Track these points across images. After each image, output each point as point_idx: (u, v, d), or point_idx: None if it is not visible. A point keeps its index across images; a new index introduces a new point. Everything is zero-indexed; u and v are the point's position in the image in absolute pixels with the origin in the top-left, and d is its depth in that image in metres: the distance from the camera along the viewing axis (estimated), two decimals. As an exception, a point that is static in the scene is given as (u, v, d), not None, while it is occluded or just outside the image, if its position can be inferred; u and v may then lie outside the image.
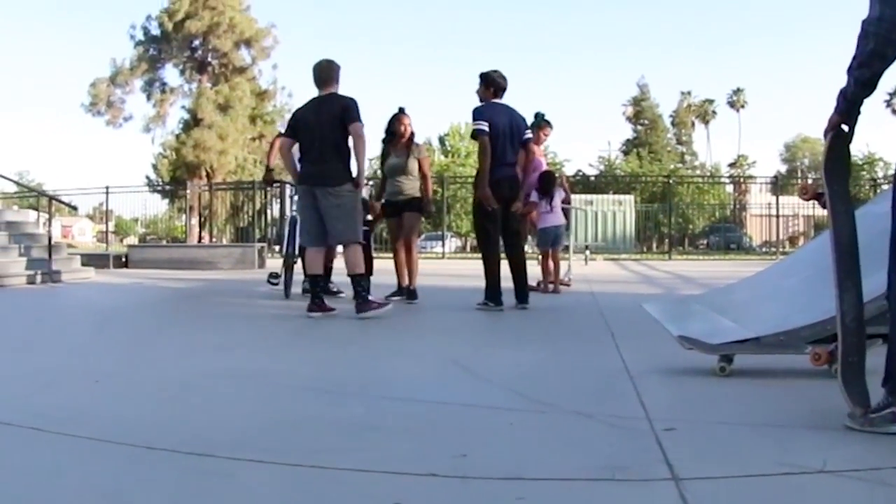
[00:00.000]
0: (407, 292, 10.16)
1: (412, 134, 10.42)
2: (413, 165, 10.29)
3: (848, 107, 3.76)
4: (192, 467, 3.06)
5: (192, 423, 3.81)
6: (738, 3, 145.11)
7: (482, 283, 8.31)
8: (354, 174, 8.50)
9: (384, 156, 10.60)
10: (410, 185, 10.29)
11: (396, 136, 10.33)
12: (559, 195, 12.34)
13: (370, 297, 8.32)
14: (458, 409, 4.17)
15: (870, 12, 3.52)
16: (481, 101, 9.34)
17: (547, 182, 12.08)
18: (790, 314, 5.94)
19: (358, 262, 8.44)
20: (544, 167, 12.50)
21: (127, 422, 3.78)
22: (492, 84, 9.33)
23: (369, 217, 10.92)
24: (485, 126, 8.98)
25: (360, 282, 8.40)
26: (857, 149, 77.11)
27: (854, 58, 3.60)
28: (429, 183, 10.63)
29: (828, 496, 2.73)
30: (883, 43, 3.50)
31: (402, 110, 10.41)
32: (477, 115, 9.16)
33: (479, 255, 9.38)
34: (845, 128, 3.88)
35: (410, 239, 10.40)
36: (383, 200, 10.60)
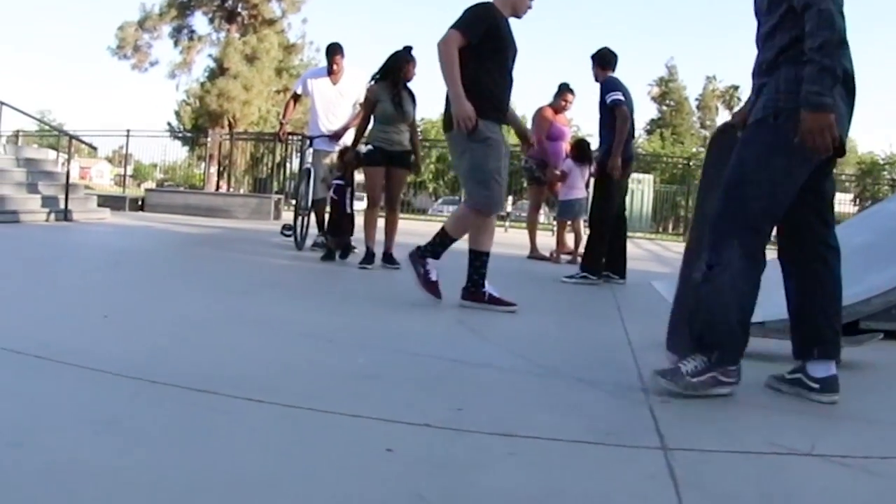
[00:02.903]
0: (385, 257, 9.13)
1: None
2: (413, 114, 9.39)
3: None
4: (192, 401, 3.12)
5: (196, 361, 3.87)
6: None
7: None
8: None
9: (376, 98, 9.04)
10: (405, 137, 9.21)
11: (398, 79, 9.13)
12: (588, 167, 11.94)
13: (488, 290, 6.46)
14: (459, 366, 4.23)
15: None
16: (597, 80, 9.33)
17: (583, 149, 11.97)
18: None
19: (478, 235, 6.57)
20: (567, 136, 12.43)
21: (131, 356, 3.83)
22: (607, 60, 9.37)
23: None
24: (620, 96, 8.97)
25: (481, 260, 6.52)
26: (880, 148, 76.81)
27: (838, 42, 3.63)
28: (417, 135, 10.01)
29: (812, 478, 2.76)
30: (841, 18, 3.62)
31: (409, 51, 9.30)
32: (610, 86, 9.12)
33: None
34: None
35: (398, 199, 9.63)
36: (370, 147, 9.14)
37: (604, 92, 9.02)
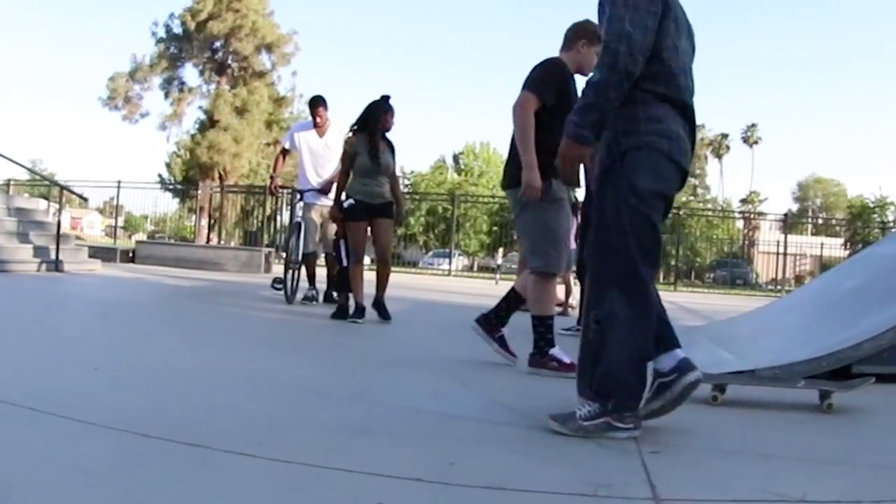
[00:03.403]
0: (376, 305, 8.96)
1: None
2: (392, 165, 9.18)
3: (596, 132, 3.85)
4: (183, 455, 3.11)
5: (187, 414, 3.86)
6: (755, 40, 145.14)
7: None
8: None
9: (354, 150, 8.86)
10: (387, 188, 9.05)
11: (375, 130, 8.91)
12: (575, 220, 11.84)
13: (556, 354, 6.04)
14: (450, 420, 4.22)
15: (614, 25, 3.76)
16: None
17: None
18: (788, 349, 6.01)
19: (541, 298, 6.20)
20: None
21: (122, 409, 3.83)
22: None
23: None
24: None
25: (545, 325, 6.10)
26: (870, 191, 77.30)
27: (602, 80, 3.75)
28: (398, 185, 9.64)
29: (806, 526, 2.77)
30: (635, 60, 3.73)
31: (386, 101, 9.09)
32: None
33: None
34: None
35: (389, 251, 9.40)
36: (351, 201, 8.91)
37: None
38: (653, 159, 3.85)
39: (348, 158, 8.93)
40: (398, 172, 9.57)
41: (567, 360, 5.85)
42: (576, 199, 12.20)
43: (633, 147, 3.85)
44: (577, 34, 6.08)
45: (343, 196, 8.93)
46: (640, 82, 3.81)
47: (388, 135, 9.21)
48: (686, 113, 3.99)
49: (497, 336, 6.34)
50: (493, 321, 6.37)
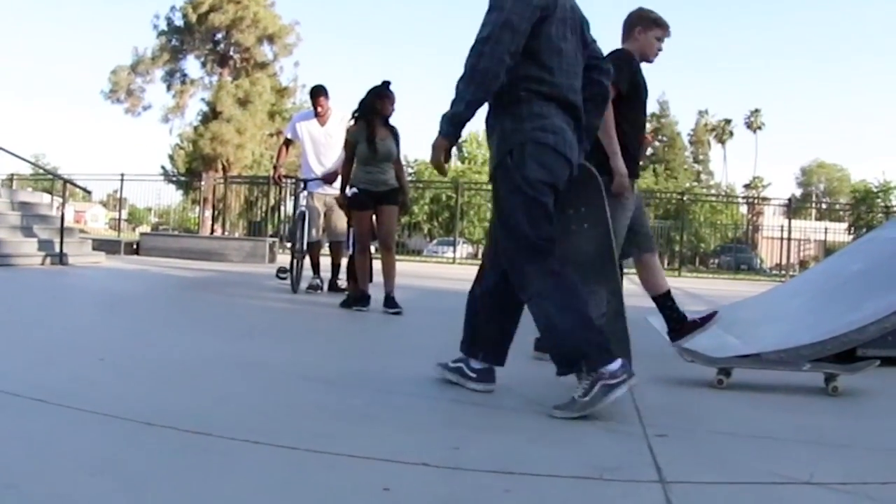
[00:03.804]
0: (386, 301, 8.71)
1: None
2: (395, 151, 9.01)
3: (457, 129, 4.18)
4: (189, 443, 3.12)
5: (192, 403, 3.86)
6: (758, 26, 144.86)
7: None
8: None
9: (355, 138, 8.79)
10: (391, 175, 8.92)
11: (373, 117, 8.77)
12: None
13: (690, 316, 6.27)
14: (455, 405, 4.23)
15: (485, 30, 4.02)
16: None
17: None
18: (793, 332, 6.00)
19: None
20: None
21: (128, 398, 3.84)
22: None
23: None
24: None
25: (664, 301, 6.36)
26: (873, 176, 77.05)
27: (465, 79, 4.04)
28: (404, 172, 9.61)
29: (812, 507, 2.77)
30: (500, 63, 3.98)
31: (386, 87, 8.93)
32: None
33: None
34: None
35: (392, 237, 9.25)
36: (355, 190, 8.86)
37: None
38: (539, 152, 4.13)
39: (350, 147, 8.88)
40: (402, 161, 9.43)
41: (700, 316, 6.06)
42: None
43: (519, 143, 4.14)
44: (632, 23, 6.12)
45: (348, 185, 8.88)
46: (524, 83, 4.13)
47: (393, 121, 9.10)
48: (570, 110, 4.26)
49: (692, 324, 6.28)
50: (678, 324, 6.32)
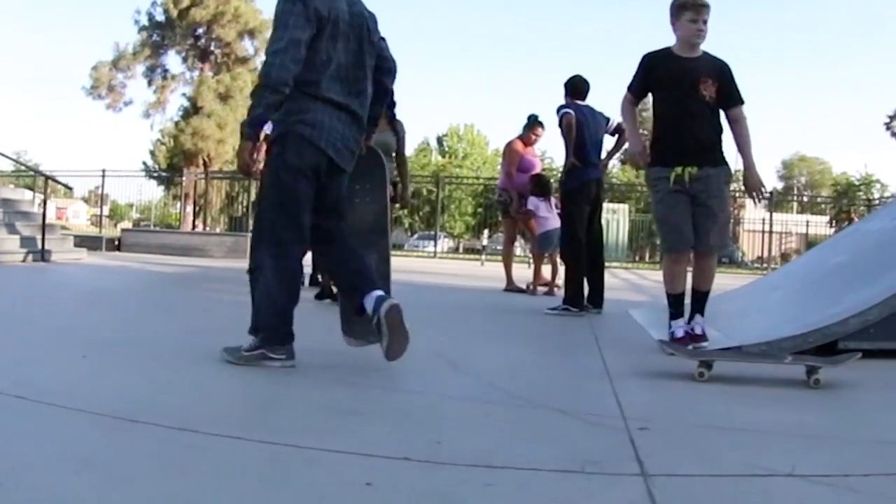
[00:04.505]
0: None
1: (394, 104, 8.88)
2: (393, 145, 8.99)
3: (258, 132, 4.83)
4: (172, 439, 3.11)
5: (174, 399, 3.86)
6: (738, 20, 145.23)
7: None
8: None
9: None
10: (390, 169, 8.39)
11: None
12: (555, 199, 11.73)
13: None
14: (437, 400, 4.24)
15: (273, 43, 4.72)
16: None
17: (540, 184, 11.94)
18: (775, 325, 6.03)
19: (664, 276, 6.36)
20: (538, 168, 12.45)
21: (111, 395, 3.83)
22: (577, 89, 9.40)
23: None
24: (567, 108, 9.11)
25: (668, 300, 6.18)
26: (855, 169, 77.53)
27: (261, 87, 4.70)
28: (406, 167, 9.61)
29: (794, 499, 2.76)
30: (288, 71, 4.64)
31: None
32: (562, 107, 9.22)
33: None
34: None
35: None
36: None
37: (558, 114, 9.13)
38: (297, 142, 4.79)
39: None
40: None
41: (681, 333, 5.85)
42: (540, 177, 12.21)
43: (282, 133, 4.84)
44: (670, 15, 6.13)
45: None
46: (302, 86, 4.75)
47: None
48: (340, 108, 4.90)
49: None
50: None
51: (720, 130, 6.06)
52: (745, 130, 5.99)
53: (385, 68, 5.35)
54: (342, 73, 4.91)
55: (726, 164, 6.06)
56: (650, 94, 6.20)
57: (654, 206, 6.20)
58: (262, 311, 4.81)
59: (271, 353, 4.72)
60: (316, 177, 4.87)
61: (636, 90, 6.23)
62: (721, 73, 5.95)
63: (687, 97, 5.92)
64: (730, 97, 5.95)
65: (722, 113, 5.98)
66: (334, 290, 9.54)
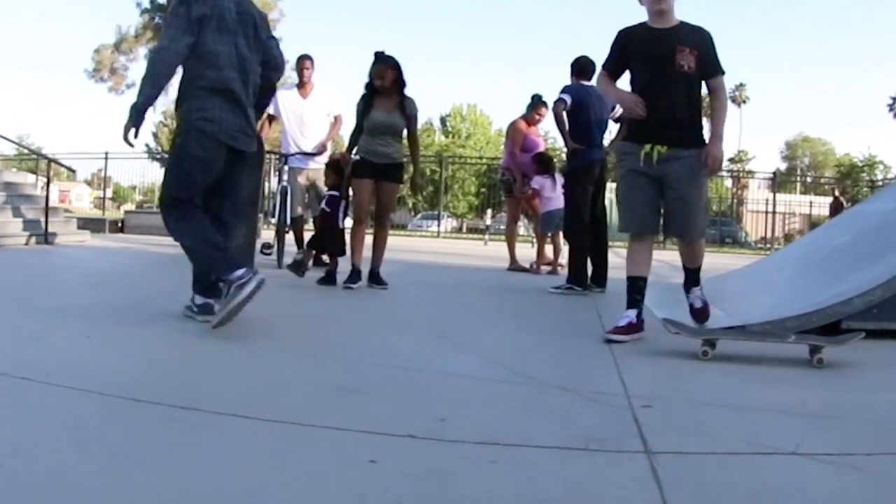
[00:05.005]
0: (371, 276, 8.58)
1: (403, 84, 8.65)
2: (400, 125, 8.61)
3: (141, 117, 5.45)
4: (175, 418, 3.12)
5: (178, 379, 3.88)
6: (742, 1, 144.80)
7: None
8: None
9: (367, 108, 8.48)
10: (397, 149, 8.62)
11: (369, 87, 8.53)
12: (560, 178, 11.70)
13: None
14: (442, 378, 4.25)
15: (159, 42, 5.51)
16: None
17: (542, 162, 11.88)
18: (779, 304, 6.03)
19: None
20: (541, 148, 12.42)
21: (115, 375, 3.83)
22: (583, 69, 9.31)
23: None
24: (563, 95, 8.98)
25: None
26: (858, 150, 77.34)
27: (145, 78, 5.42)
28: (418, 148, 9.06)
29: (797, 477, 2.77)
30: (168, 66, 5.42)
31: (378, 56, 8.56)
32: (562, 90, 9.10)
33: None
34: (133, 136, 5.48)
35: (388, 215, 9.03)
36: (357, 157, 8.59)
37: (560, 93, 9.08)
38: (199, 137, 5.48)
39: (357, 117, 8.60)
40: None
41: (624, 322, 5.67)
42: (543, 155, 12.20)
43: (186, 129, 5.54)
44: None
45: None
46: (196, 81, 5.49)
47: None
48: (230, 96, 5.57)
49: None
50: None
51: (699, 108, 5.89)
52: (722, 103, 5.76)
53: (273, 65, 6.04)
54: (231, 63, 5.57)
55: (703, 146, 5.73)
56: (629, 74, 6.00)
57: (617, 183, 5.98)
58: (202, 257, 5.63)
59: (238, 281, 5.21)
60: (216, 162, 5.63)
61: (611, 67, 5.98)
62: (700, 41, 5.71)
63: (662, 70, 5.69)
64: (710, 65, 5.72)
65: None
66: (324, 257, 9.61)
